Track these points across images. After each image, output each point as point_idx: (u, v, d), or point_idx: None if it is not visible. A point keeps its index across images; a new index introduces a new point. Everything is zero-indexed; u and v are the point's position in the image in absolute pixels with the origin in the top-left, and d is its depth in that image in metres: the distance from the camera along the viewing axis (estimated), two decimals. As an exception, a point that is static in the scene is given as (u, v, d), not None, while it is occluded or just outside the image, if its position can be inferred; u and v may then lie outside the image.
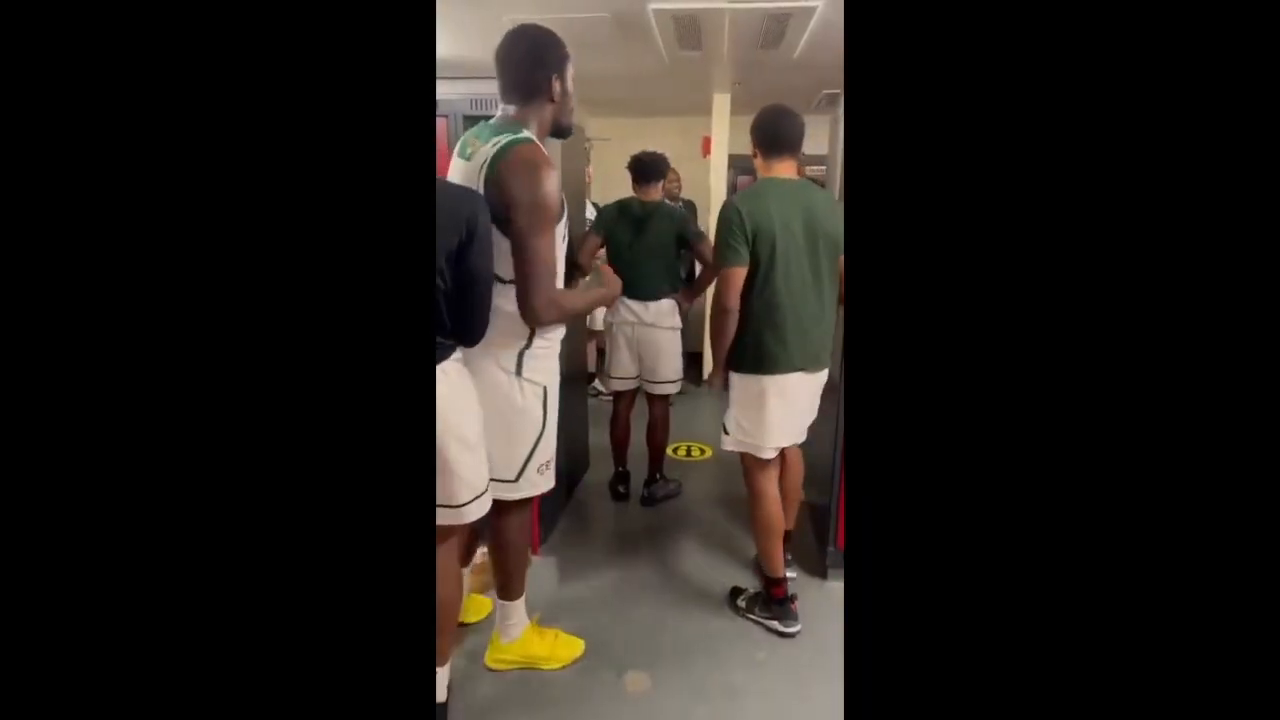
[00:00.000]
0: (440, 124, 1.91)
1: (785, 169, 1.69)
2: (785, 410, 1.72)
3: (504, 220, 1.25)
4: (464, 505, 1.30)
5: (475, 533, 1.70)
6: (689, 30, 2.92)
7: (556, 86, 1.34)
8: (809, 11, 2.61)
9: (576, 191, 2.64)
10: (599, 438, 2.79)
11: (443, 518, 1.28)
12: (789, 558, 1.97)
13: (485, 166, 1.26)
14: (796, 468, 1.96)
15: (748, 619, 1.87)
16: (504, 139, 1.27)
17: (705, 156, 4.83)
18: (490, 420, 1.36)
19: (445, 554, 1.35)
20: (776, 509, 1.81)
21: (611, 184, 3.69)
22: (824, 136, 2.46)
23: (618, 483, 2.63)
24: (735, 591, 1.96)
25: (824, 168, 2.69)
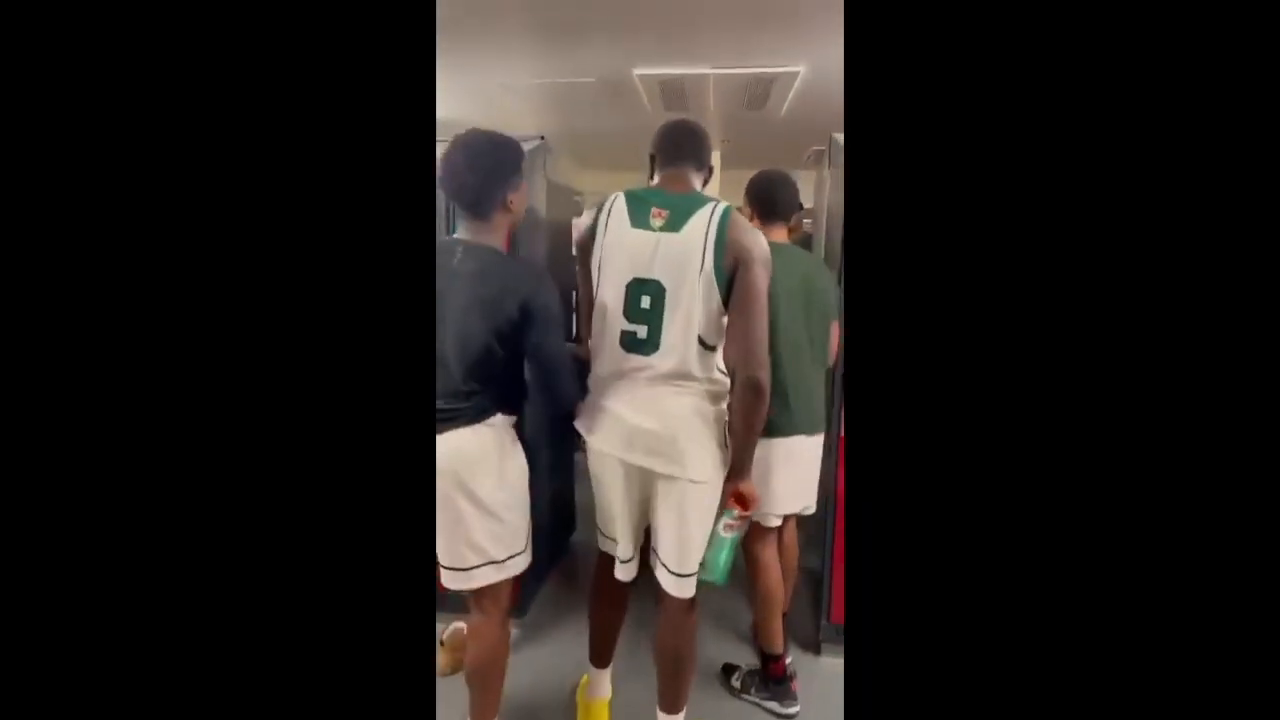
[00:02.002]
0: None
1: (779, 234, 1.69)
2: (789, 475, 1.66)
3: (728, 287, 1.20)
4: (505, 561, 1.29)
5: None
6: (674, 93, 2.99)
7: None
8: (792, 75, 2.68)
9: (564, 244, 2.64)
10: (586, 494, 2.66)
11: (489, 575, 1.28)
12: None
13: (714, 231, 1.19)
14: (791, 541, 1.88)
15: (743, 699, 1.76)
16: (722, 206, 1.22)
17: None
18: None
19: (493, 611, 1.33)
20: (778, 581, 1.73)
21: None
22: (812, 191, 2.49)
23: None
24: (729, 669, 1.84)
25: (811, 220, 2.71)
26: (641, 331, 1.23)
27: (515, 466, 1.30)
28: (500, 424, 1.27)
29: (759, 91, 2.95)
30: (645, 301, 1.22)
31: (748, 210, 1.70)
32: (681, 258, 1.19)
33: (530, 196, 1.41)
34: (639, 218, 1.23)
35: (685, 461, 1.24)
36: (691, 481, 1.25)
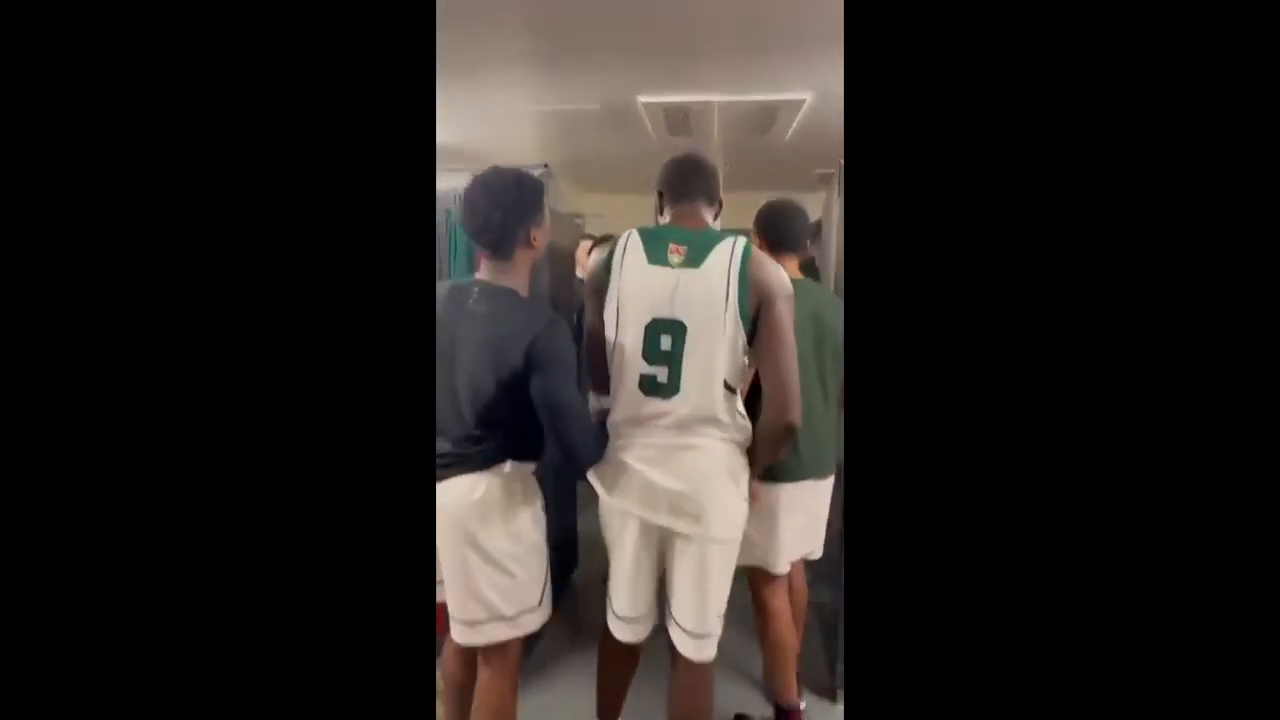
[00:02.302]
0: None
1: (790, 267, 1.64)
2: (797, 521, 1.59)
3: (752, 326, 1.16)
4: (515, 617, 1.22)
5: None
6: (678, 119, 2.97)
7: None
8: (799, 103, 2.66)
9: (564, 270, 2.59)
10: (590, 525, 2.58)
11: (497, 631, 1.20)
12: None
13: (739, 263, 1.15)
14: (800, 584, 1.81)
15: (756, 752, 1.68)
16: (742, 241, 1.18)
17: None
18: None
19: (500, 669, 1.25)
20: (790, 628, 1.66)
21: None
22: (818, 213, 2.45)
23: None
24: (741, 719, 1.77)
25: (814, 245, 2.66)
26: (661, 374, 1.17)
27: (527, 517, 1.23)
28: (512, 472, 1.21)
29: (765, 118, 2.93)
30: (665, 343, 1.16)
31: (756, 241, 1.63)
32: (704, 295, 1.15)
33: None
34: (656, 254, 1.18)
35: (708, 520, 1.18)
36: (714, 541, 1.19)
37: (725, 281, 1.14)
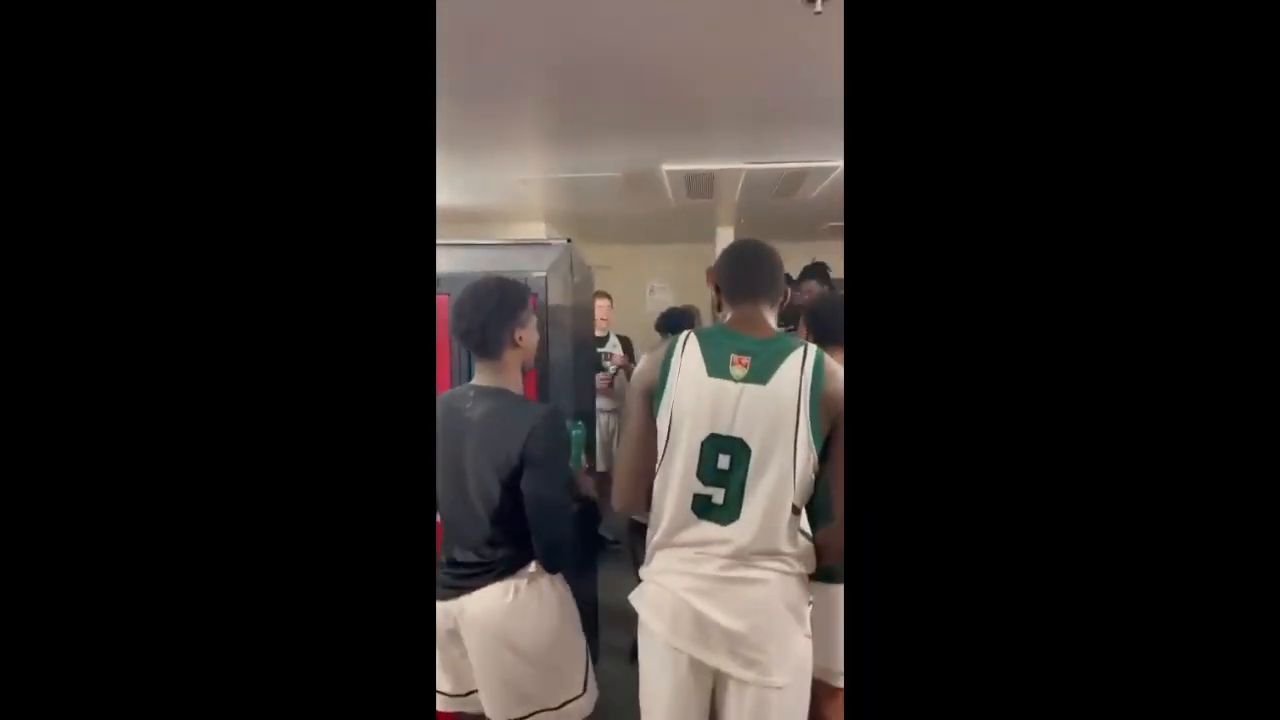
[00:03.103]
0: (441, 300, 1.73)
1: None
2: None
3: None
4: (561, 707, 1.21)
5: None
6: (701, 183, 2.86)
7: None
8: (829, 169, 2.55)
9: (585, 326, 2.41)
10: (613, 599, 2.30)
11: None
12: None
13: (811, 379, 1.05)
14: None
15: None
16: (813, 352, 1.09)
17: (709, 285, 4.75)
18: None
19: None
20: None
21: (621, 312, 3.48)
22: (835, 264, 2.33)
23: None
24: None
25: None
26: (718, 496, 1.05)
27: (560, 612, 1.24)
28: (537, 571, 1.21)
29: (792, 182, 2.82)
30: (723, 462, 1.04)
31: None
32: (772, 415, 1.04)
33: (560, 289, 1.48)
34: (717, 365, 1.06)
35: (769, 665, 1.04)
36: (775, 688, 1.05)
37: (796, 400, 1.03)
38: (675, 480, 1.07)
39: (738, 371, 1.05)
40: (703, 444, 1.05)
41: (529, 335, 1.26)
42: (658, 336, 2.53)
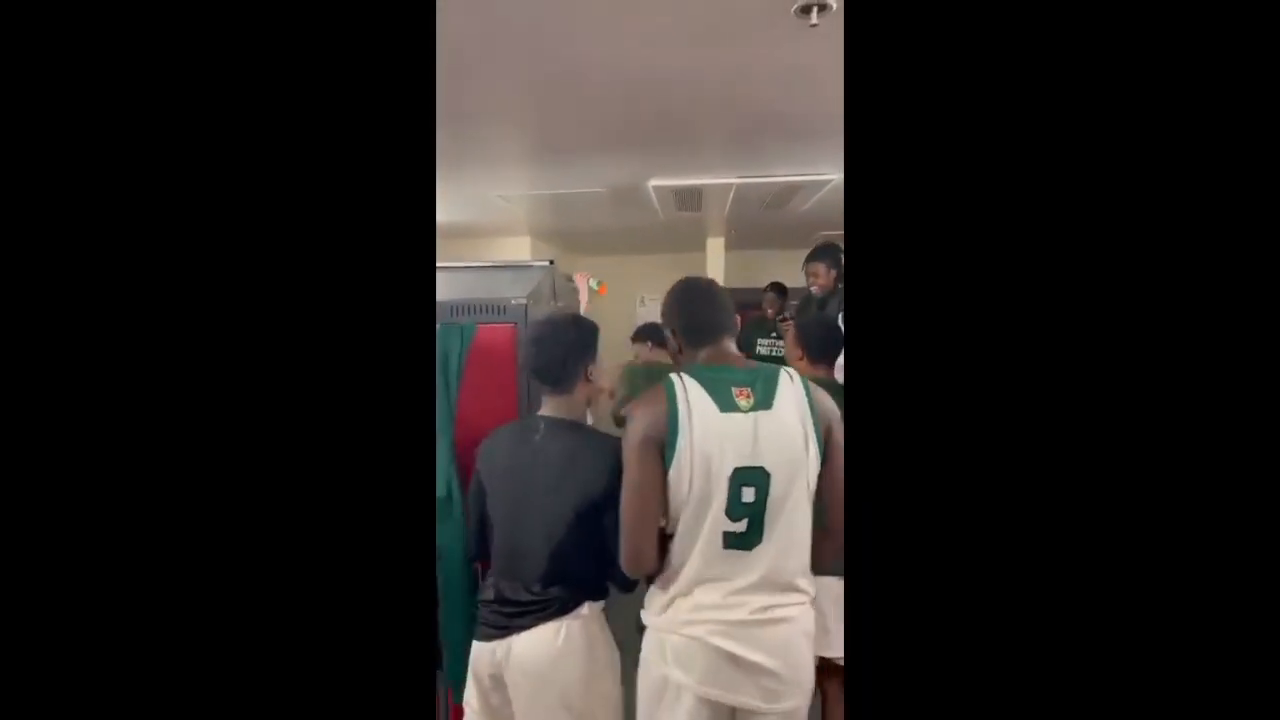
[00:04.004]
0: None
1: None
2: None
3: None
4: None
5: None
6: (689, 197, 2.78)
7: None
8: (823, 182, 2.47)
9: None
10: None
11: None
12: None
13: (805, 403, 1.10)
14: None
15: None
16: (796, 374, 1.15)
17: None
18: None
19: None
20: None
21: (613, 327, 3.35)
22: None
23: None
24: None
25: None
26: (742, 526, 1.06)
27: (607, 660, 1.20)
28: (589, 614, 1.19)
29: (784, 195, 2.74)
30: (748, 494, 1.05)
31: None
32: (787, 438, 1.07)
33: (542, 315, 1.48)
34: (723, 400, 1.07)
35: (787, 695, 1.08)
36: (785, 715, 1.08)
37: (801, 419, 1.08)
38: (706, 522, 1.05)
39: (744, 403, 1.07)
40: (729, 479, 1.04)
41: (598, 373, 1.30)
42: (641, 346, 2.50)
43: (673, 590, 1.09)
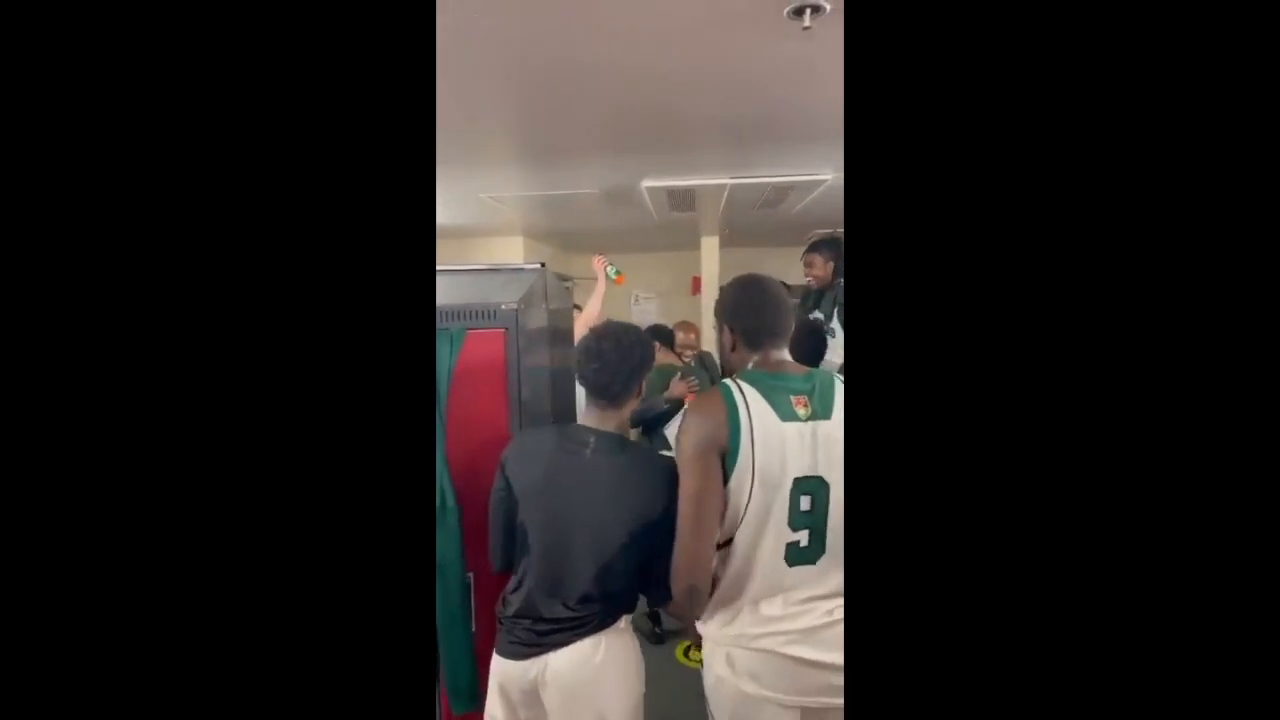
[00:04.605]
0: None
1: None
2: None
3: None
4: None
5: None
6: (682, 198, 2.76)
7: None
8: (818, 182, 2.46)
9: (562, 353, 2.31)
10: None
11: None
12: None
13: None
14: None
15: None
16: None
17: (695, 294, 4.67)
18: None
19: None
20: None
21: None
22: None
23: None
24: None
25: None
26: (804, 538, 1.05)
27: (637, 669, 1.20)
28: (625, 627, 1.18)
29: (778, 195, 2.73)
30: (805, 503, 1.04)
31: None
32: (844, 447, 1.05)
33: (534, 320, 1.46)
34: (783, 409, 1.05)
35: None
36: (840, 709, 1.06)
37: None
38: (769, 534, 1.03)
39: (802, 412, 1.06)
40: (790, 490, 1.03)
41: (644, 387, 1.29)
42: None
43: (739, 604, 1.06)
